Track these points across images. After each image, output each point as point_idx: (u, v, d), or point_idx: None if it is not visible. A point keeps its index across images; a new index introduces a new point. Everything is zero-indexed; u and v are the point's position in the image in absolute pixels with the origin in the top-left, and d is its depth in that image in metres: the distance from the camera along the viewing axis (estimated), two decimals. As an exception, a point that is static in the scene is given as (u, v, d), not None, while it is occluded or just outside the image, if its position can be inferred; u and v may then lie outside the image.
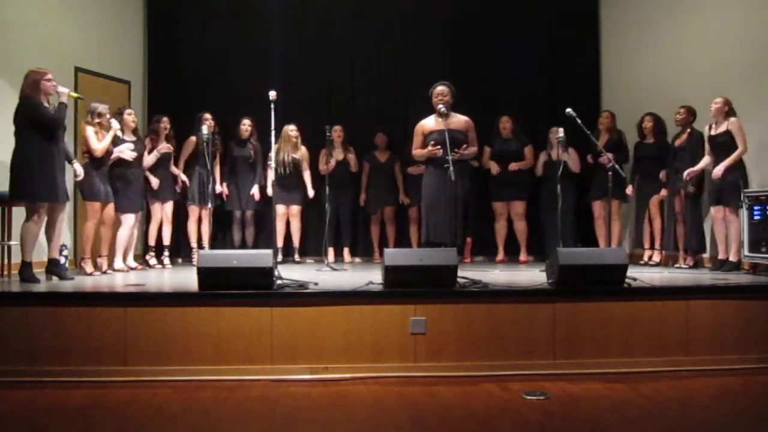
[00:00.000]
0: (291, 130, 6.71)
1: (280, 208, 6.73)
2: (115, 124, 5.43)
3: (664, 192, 6.10)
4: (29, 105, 4.61)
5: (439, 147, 4.83)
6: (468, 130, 5.03)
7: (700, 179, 5.72)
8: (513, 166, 6.77)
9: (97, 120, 5.34)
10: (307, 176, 6.85)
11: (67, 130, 4.95)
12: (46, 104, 4.70)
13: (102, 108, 5.37)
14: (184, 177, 6.42)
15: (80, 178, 5.11)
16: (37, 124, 4.59)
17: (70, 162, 5.10)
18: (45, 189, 4.63)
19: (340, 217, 7.08)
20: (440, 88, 4.99)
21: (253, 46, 7.46)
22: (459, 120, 4.98)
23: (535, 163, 6.90)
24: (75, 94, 5.00)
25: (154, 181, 6.06)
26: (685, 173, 5.60)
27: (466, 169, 5.06)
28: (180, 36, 7.46)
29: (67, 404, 3.36)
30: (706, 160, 5.56)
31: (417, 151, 5.08)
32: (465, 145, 4.89)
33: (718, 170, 5.28)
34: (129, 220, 5.74)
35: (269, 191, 6.57)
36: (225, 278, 3.93)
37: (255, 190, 6.77)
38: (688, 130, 5.83)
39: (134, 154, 5.72)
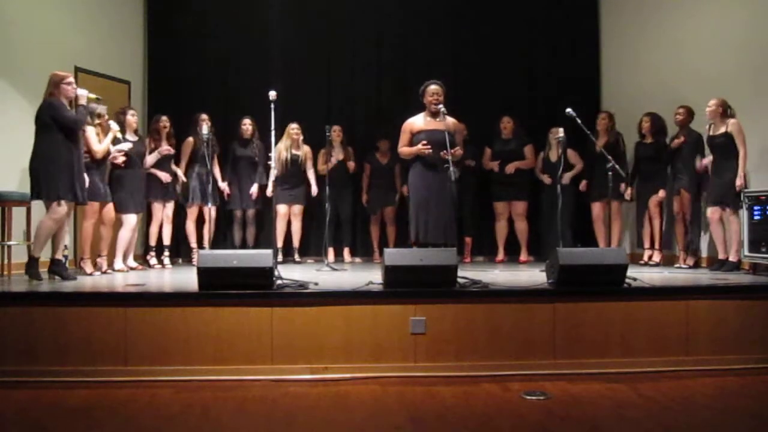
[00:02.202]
0: (293, 128, 6.74)
1: (281, 208, 6.75)
2: (113, 125, 5.43)
3: (662, 193, 6.09)
4: (53, 105, 4.64)
5: (429, 146, 4.82)
6: (457, 133, 5.03)
7: (700, 179, 5.72)
8: (510, 167, 6.75)
9: (97, 121, 5.35)
10: (310, 174, 6.86)
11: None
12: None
13: (101, 108, 5.38)
14: (183, 177, 6.42)
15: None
16: (60, 125, 4.62)
17: None
18: (69, 188, 4.68)
19: (340, 218, 7.09)
20: (434, 87, 4.97)
21: (253, 45, 7.46)
22: (451, 122, 4.96)
23: (536, 162, 6.89)
24: (93, 95, 5.04)
25: (163, 175, 6.08)
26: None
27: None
28: (180, 36, 7.46)
29: (67, 404, 3.36)
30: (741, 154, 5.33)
31: (404, 149, 5.06)
32: (457, 147, 4.89)
33: (740, 183, 5.25)
34: (131, 220, 5.74)
35: (269, 191, 6.57)
36: (225, 278, 3.93)
37: (254, 189, 6.78)
38: (687, 130, 5.83)
39: (130, 145, 5.71)
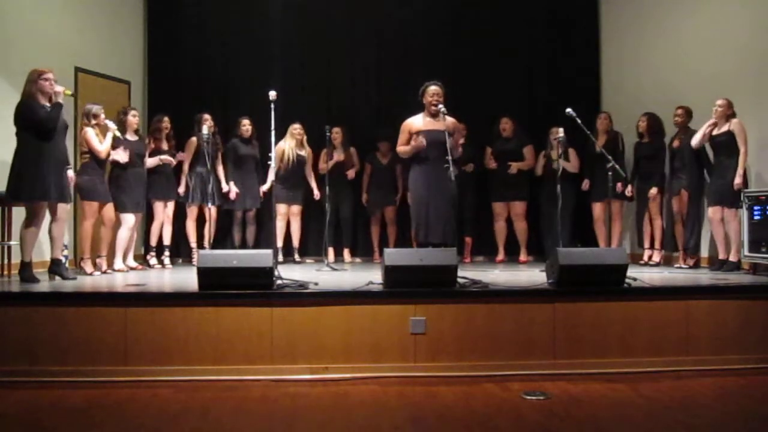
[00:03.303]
0: (296, 128, 6.74)
1: (281, 208, 6.74)
2: (111, 125, 5.43)
3: (653, 190, 6.08)
4: (24, 105, 4.62)
5: (423, 140, 4.83)
6: (456, 132, 5.05)
7: (699, 179, 5.72)
8: (513, 168, 6.76)
9: (94, 121, 5.34)
10: (311, 177, 6.88)
11: (68, 130, 4.94)
12: (46, 103, 4.68)
13: (96, 109, 5.37)
14: (186, 179, 6.41)
15: (72, 183, 5.04)
16: (30, 124, 4.59)
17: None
18: (41, 189, 4.62)
19: (340, 218, 7.08)
20: (435, 88, 4.98)
21: (253, 46, 7.46)
22: (450, 121, 4.99)
23: (536, 163, 6.89)
24: (68, 91, 4.99)
25: (159, 159, 6.07)
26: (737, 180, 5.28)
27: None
28: (180, 36, 7.45)
29: (67, 404, 3.37)
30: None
31: (402, 148, 5.09)
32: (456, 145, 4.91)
33: (738, 182, 5.26)
34: (129, 219, 5.74)
35: (266, 187, 6.58)
36: (225, 278, 3.94)
37: (265, 188, 6.77)
38: (686, 130, 5.83)
39: (125, 157, 5.69)
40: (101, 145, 5.31)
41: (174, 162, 6.22)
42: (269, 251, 4.13)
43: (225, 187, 6.64)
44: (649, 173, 6.18)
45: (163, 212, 6.25)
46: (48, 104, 4.68)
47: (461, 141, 5.05)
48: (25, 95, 4.65)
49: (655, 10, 6.84)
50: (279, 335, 3.89)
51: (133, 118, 5.87)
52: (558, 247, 4.38)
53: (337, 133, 6.94)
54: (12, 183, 4.64)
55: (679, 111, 5.88)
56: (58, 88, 4.77)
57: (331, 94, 7.61)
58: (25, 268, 4.68)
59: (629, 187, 6.34)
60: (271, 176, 6.44)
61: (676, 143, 5.91)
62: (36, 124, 4.60)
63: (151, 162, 6.05)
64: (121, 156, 5.65)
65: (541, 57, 7.60)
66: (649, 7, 6.93)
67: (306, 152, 6.82)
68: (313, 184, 6.88)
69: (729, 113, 5.39)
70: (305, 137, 6.82)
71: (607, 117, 6.56)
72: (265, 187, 6.66)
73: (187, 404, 3.34)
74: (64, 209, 4.94)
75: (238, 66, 7.46)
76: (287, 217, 6.85)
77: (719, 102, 5.41)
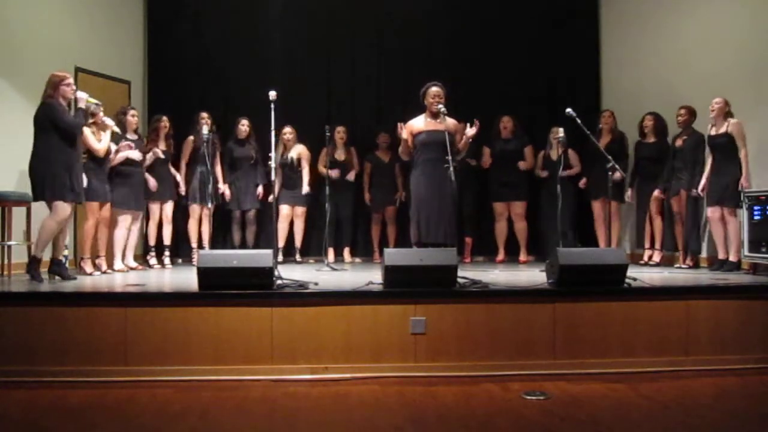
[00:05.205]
0: (284, 132, 6.72)
1: (284, 209, 6.75)
2: (109, 122, 5.42)
3: (657, 192, 6.08)
4: (53, 108, 4.63)
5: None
6: (457, 133, 5.08)
7: (699, 180, 5.72)
8: (522, 164, 6.74)
9: (91, 120, 5.34)
10: (305, 173, 6.84)
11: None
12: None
13: (94, 107, 5.37)
14: (180, 179, 6.42)
15: None
16: (60, 128, 4.62)
17: None
18: (70, 189, 4.68)
19: (340, 218, 7.08)
20: (436, 89, 5.01)
21: (253, 46, 7.46)
22: (451, 123, 5.02)
23: (536, 163, 6.89)
24: (92, 100, 5.03)
25: (152, 183, 6.05)
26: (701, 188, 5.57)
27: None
28: (180, 36, 7.46)
29: (67, 404, 3.36)
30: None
31: (402, 149, 5.18)
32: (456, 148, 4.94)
33: (745, 182, 5.27)
34: (125, 219, 5.73)
35: (271, 198, 6.56)
36: (225, 278, 3.93)
37: (260, 190, 6.76)
38: (689, 130, 5.83)
39: (139, 154, 5.73)
40: (99, 144, 5.31)
41: (133, 155, 5.75)
42: (269, 251, 4.12)
43: (221, 188, 6.63)
44: (651, 174, 6.17)
45: (160, 212, 6.24)
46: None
47: (472, 135, 5.00)
48: (48, 97, 4.67)
49: (656, 10, 6.84)
50: (279, 335, 3.89)
51: (132, 118, 5.87)
52: (558, 247, 4.38)
53: (341, 132, 6.93)
54: (41, 184, 4.63)
55: (682, 111, 5.88)
56: (81, 95, 4.85)
57: (331, 94, 7.61)
58: (35, 264, 4.69)
59: (630, 192, 6.34)
60: (272, 177, 6.42)
61: (679, 143, 5.90)
62: (69, 129, 4.64)
63: (146, 161, 5.95)
64: (135, 155, 5.67)
65: (541, 57, 7.59)
66: (649, 7, 6.93)
67: (297, 152, 6.79)
68: (305, 181, 6.78)
69: (726, 111, 5.40)
70: (295, 139, 6.79)
71: (611, 115, 6.55)
72: (271, 198, 6.61)
73: (186, 404, 3.34)
74: (73, 210, 4.97)
75: (238, 66, 7.46)
76: (290, 218, 6.85)
77: (716, 101, 5.42)
